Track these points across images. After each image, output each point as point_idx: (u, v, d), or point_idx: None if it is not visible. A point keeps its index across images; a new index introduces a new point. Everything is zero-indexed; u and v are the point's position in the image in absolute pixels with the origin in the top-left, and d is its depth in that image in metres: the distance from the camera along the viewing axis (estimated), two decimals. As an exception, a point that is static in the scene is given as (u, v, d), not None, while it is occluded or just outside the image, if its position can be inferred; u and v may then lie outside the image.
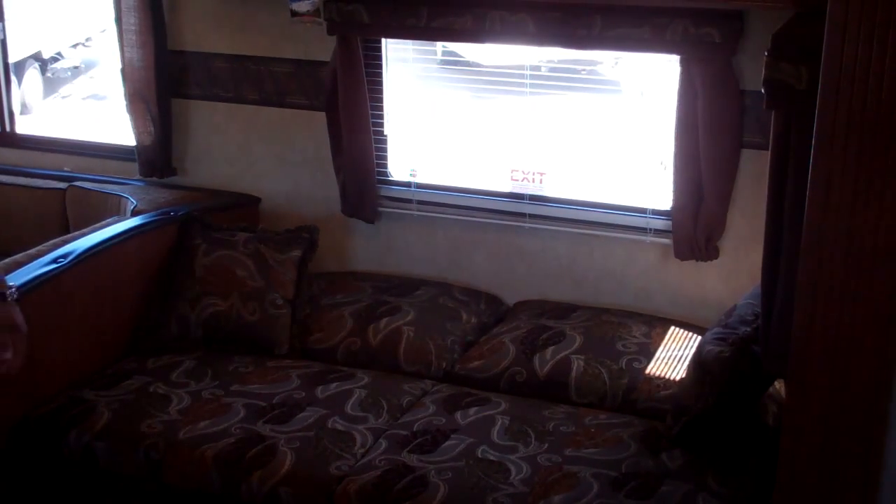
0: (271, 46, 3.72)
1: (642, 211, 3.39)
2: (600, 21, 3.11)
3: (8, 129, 4.36)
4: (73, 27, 8.50)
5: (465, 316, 3.36)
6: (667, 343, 3.15)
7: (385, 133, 3.70)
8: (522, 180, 3.52)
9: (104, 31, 7.98)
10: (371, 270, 3.73)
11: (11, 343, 2.26)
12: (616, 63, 3.76)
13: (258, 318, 3.25)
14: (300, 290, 3.34)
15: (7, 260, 3.07)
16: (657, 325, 3.26)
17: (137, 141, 3.89)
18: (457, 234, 3.63)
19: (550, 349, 3.09)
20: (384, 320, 3.28)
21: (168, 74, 3.82)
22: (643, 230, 3.38)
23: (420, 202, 3.65)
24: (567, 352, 3.08)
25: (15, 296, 2.31)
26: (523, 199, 3.53)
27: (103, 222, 3.44)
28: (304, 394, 2.96)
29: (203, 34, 3.82)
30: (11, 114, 4.40)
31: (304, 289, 3.36)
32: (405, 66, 3.70)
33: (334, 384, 3.02)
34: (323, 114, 3.63)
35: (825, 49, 1.88)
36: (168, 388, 2.99)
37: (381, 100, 3.65)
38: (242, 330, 3.24)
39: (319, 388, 3.00)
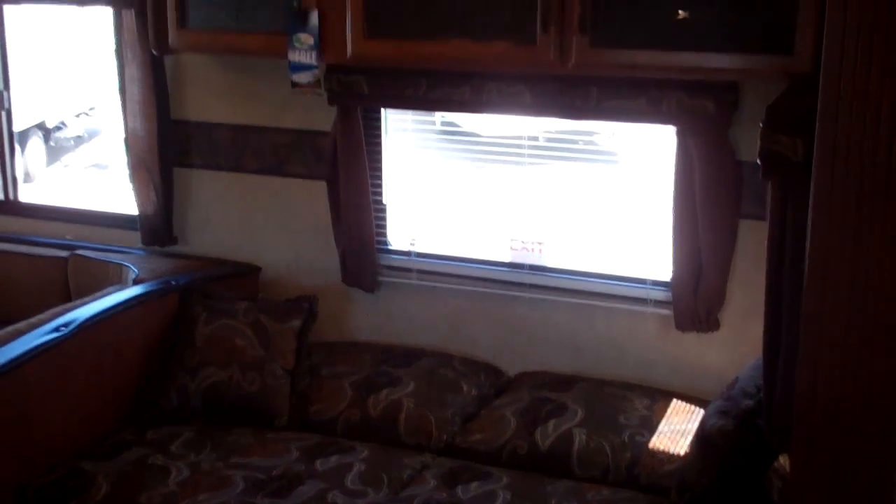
0: (272, 116, 3.76)
1: (642, 281, 3.39)
2: (596, 92, 3.15)
3: (11, 197, 4.39)
4: (77, 97, 8.60)
5: (465, 387, 3.35)
6: (669, 416, 3.13)
7: (384, 202, 3.72)
8: (522, 250, 3.54)
9: (107, 101, 8.08)
10: (371, 340, 3.72)
11: None
12: (613, 133, 3.80)
13: (258, 389, 3.23)
14: (300, 360, 3.33)
15: (8, 328, 3.07)
16: (659, 397, 3.24)
17: (140, 210, 3.91)
18: (457, 303, 3.63)
19: (552, 422, 3.07)
20: (384, 391, 3.27)
21: (171, 144, 3.86)
22: (643, 301, 3.38)
23: (420, 271, 3.66)
24: (569, 425, 3.06)
25: None
26: (523, 268, 3.54)
27: (104, 291, 3.44)
28: (303, 466, 2.94)
29: (205, 104, 3.87)
30: (15, 182, 4.43)
31: (304, 359, 3.35)
32: (404, 135, 3.74)
33: (334, 457, 3.00)
34: (323, 183, 3.66)
35: (819, 121, 1.91)
36: (167, 460, 2.96)
37: (380, 169, 3.69)
38: (242, 400, 3.23)
39: (319, 461, 2.97)
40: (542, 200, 3.56)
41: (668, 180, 3.21)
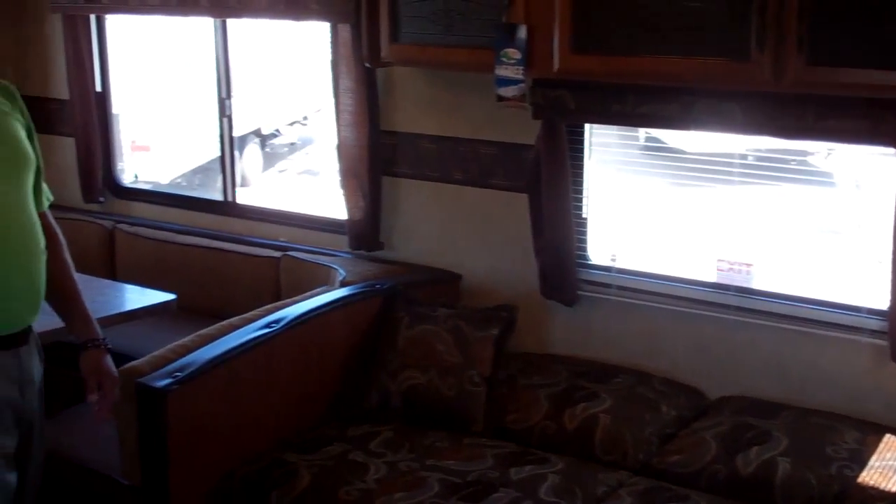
0: (477, 129, 3.82)
1: (856, 309, 3.22)
2: (813, 111, 3.02)
3: (230, 198, 4.64)
4: (292, 106, 9.00)
5: (664, 408, 3.29)
6: (881, 452, 2.96)
7: (586, 216, 3.71)
8: (728, 271, 3.44)
9: (320, 110, 8.41)
10: (568, 353, 3.71)
11: (102, 387, 2.57)
12: (829, 154, 3.66)
13: (455, 394, 3.29)
14: (497, 368, 3.37)
15: (223, 323, 3.25)
16: (870, 431, 3.07)
17: (348, 215, 4.06)
18: (657, 321, 3.57)
19: (755, 449, 2.97)
20: (581, 406, 3.25)
21: (380, 153, 3.99)
22: (857, 329, 3.21)
23: (620, 287, 3.63)
24: (772, 453, 2.94)
25: (108, 345, 2.61)
26: (728, 290, 3.44)
27: (313, 291, 3.59)
28: (497, 474, 2.96)
29: (414, 116, 3.97)
30: (234, 184, 4.67)
31: (501, 367, 3.39)
32: (608, 150, 3.72)
33: (528, 466, 3.01)
34: (525, 195, 3.68)
35: None
36: (366, 457, 3.05)
37: (582, 183, 3.67)
38: (440, 404, 3.30)
39: (513, 470, 2.99)
40: (751, 220, 3.46)
41: (889, 204, 3.05)
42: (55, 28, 4.76)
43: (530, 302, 3.74)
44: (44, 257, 2.41)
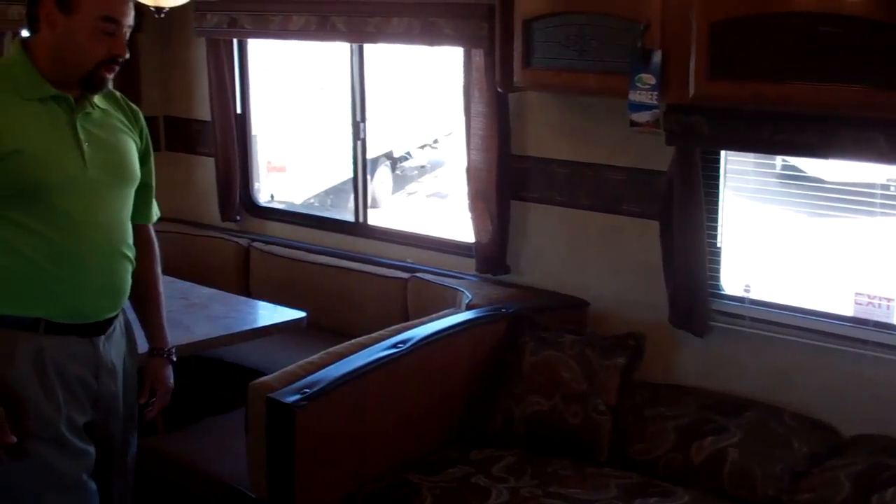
0: (609, 154, 3.79)
1: None
2: (961, 140, 2.91)
3: (361, 219, 4.72)
4: (423, 130, 9.12)
5: (796, 444, 3.18)
6: None
7: (719, 245, 3.63)
8: (867, 305, 3.31)
9: (450, 134, 8.50)
10: (697, 385, 3.63)
11: (156, 392, 2.77)
12: (980, 184, 3.49)
13: (580, 422, 3.26)
14: (623, 397, 3.32)
15: (353, 341, 3.30)
16: None
17: (476, 238, 4.08)
18: (791, 355, 3.46)
19: (891, 490, 2.84)
20: (709, 439, 3.18)
21: (509, 177, 4.00)
22: None
23: (753, 319, 3.53)
24: (911, 495, 2.83)
25: (174, 357, 2.82)
26: (867, 324, 3.31)
27: (440, 313, 3.62)
28: (621, 504, 2.93)
29: (544, 141, 3.97)
30: (365, 206, 4.76)
31: (628, 397, 3.34)
32: (743, 178, 3.64)
33: (653, 499, 2.96)
34: (656, 222, 3.63)
35: None
36: (489, 482, 3.05)
37: (716, 211, 3.60)
38: (564, 431, 3.27)
39: (638, 501, 2.94)
40: (892, 253, 3.33)
41: None
42: (199, 52, 4.95)
43: (659, 331, 3.68)
44: (129, 263, 2.60)
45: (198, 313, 3.82)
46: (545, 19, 3.43)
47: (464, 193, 4.16)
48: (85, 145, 2.48)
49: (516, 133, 4.00)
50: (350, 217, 4.83)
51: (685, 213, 3.48)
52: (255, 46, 5.08)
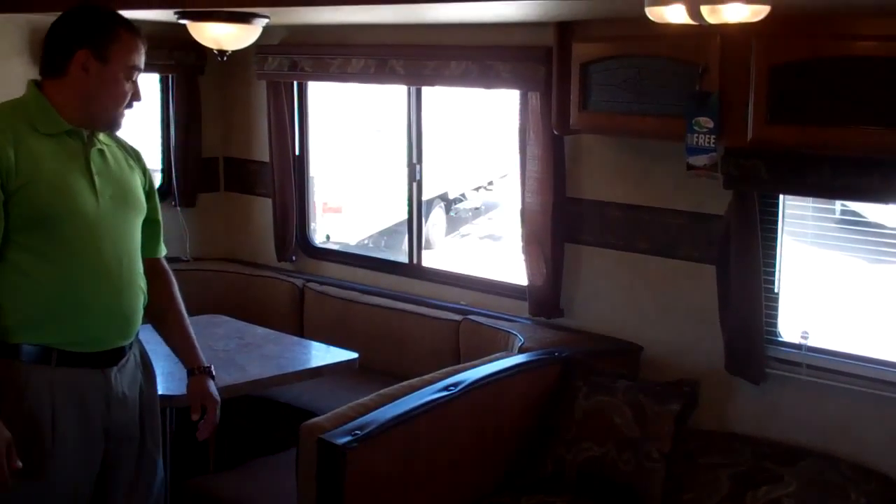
0: (665, 198, 3.77)
1: None
2: None
3: (415, 261, 4.73)
4: (477, 172, 9.16)
5: (853, 495, 3.10)
6: None
7: (776, 291, 3.57)
8: (930, 354, 3.25)
9: (505, 176, 8.53)
10: (752, 433, 3.56)
11: (205, 409, 2.88)
12: None
13: (633, 469, 3.21)
14: (677, 445, 3.27)
15: (404, 383, 3.30)
16: None
17: (529, 281, 4.07)
18: (848, 404, 3.39)
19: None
20: (763, 488, 3.12)
21: (564, 220, 3.99)
22: None
23: (811, 367, 3.46)
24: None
25: (213, 372, 2.94)
26: (929, 374, 3.24)
27: (492, 356, 3.60)
28: (675, 555, 2.87)
29: (600, 183, 3.96)
30: (420, 247, 4.78)
31: (681, 444, 3.29)
32: (801, 223, 3.59)
33: (707, 548, 2.90)
34: (712, 267, 3.59)
35: None
36: (539, 529, 3.02)
37: (773, 256, 3.55)
38: (616, 479, 3.22)
39: (692, 551, 2.89)
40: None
41: None
42: (259, 94, 5.03)
43: (714, 378, 3.62)
44: (140, 291, 2.73)
45: (252, 353, 3.85)
46: (603, 62, 3.44)
47: (518, 236, 4.16)
48: (96, 178, 2.63)
49: (571, 176, 3.99)
50: (404, 258, 4.85)
51: (742, 257, 3.44)
52: (314, 89, 5.15)
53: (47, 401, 2.54)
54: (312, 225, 5.34)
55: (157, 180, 5.39)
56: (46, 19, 3.85)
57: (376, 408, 3.08)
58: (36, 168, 2.53)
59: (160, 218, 2.94)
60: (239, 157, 5.34)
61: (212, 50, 3.96)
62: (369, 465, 2.97)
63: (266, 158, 5.06)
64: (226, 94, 5.30)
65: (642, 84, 3.34)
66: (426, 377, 3.33)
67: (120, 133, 2.82)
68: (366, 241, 8.69)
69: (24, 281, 2.53)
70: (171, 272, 2.98)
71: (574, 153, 3.99)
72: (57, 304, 2.55)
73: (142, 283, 2.74)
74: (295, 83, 4.98)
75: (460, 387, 3.23)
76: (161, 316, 2.89)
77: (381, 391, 3.20)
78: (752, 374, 3.54)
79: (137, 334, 2.76)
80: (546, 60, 3.82)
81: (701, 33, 2.84)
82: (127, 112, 2.69)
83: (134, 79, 2.67)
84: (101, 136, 2.72)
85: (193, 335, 2.96)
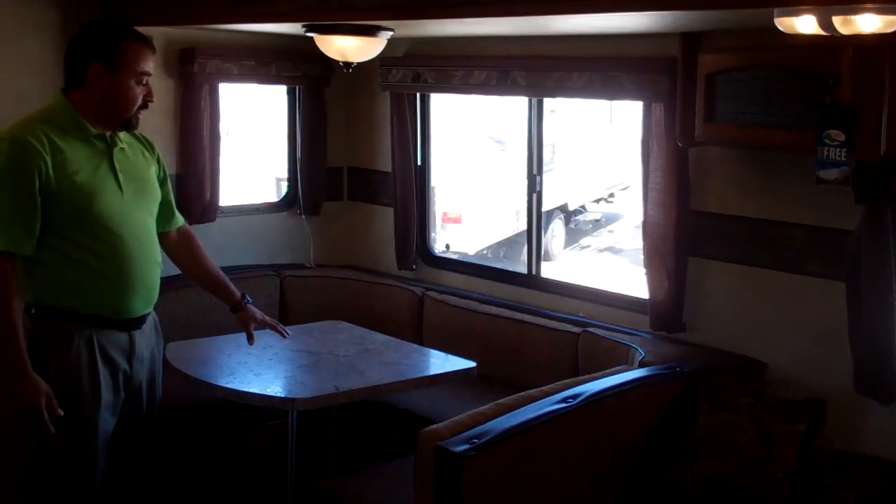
0: (792, 212, 3.68)
1: None
2: None
3: (534, 272, 4.73)
4: (598, 183, 9.09)
5: None
6: None
7: (910, 310, 3.45)
8: None
9: (626, 188, 8.45)
10: (882, 455, 3.44)
11: (266, 325, 3.67)
12: None
13: (755, 488, 3.14)
14: (802, 465, 3.18)
15: (522, 394, 3.29)
16: None
17: (651, 294, 4.02)
18: None
19: None
20: (895, 513, 3.01)
21: (687, 233, 3.93)
22: None
23: (946, 389, 3.33)
24: None
25: (249, 299, 3.63)
26: None
27: (612, 369, 3.57)
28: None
29: (724, 196, 3.89)
30: (539, 258, 4.77)
31: (807, 464, 3.20)
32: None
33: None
34: (841, 284, 3.48)
35: None
36: (658, 545, 2.98)
37: (907, 274, 3.43)
38: (737, 497, 3.15)
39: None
40: None
41: None
42: (383, 105, 5.12)
43: (842, 397, 3.50)
44: (157, 267, 3.26)
45: (372, 359, 3.92)
46: (730, 73, 3.38)
47: (639, 249, 4.11)
48: (120, 175, 3.13)
49: (695, 188, 3.93)
50: (523, 269, 4.85)
51: (873, 275, 3.32)
52: (437, 100, 5.20)
53: (85, 357, 3.07)
54: (433, 234, 5.39)
55: (283, 189, 5.54)
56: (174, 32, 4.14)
57: (494, 417, 3.09)
58: (69, 172, 3.00)
59: (172, 197, 3.48)
60: (363, 166, 5.44)
61: (338, 62, 4.05)
62: (486, 474, 2.98)
63: (389, 168, 5.14)
64: (351, 105, 5.40)
65: (770, 95, 3.27)
66: (544, 388, 3.32)
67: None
68: (484, 252, 8.72)
69: (64, 262, 3.04)
70: (193, 232, 3.61)
71: (698, 165, 3.93)
72: (92, 280, 3.06)
73: (158, 258, 3.27)
74: (418, 94, 5.05)
75: (579, 399, 3.21)
76: (196, 270, 3.58)
77: (499, 401, 3.21)
78: (882, 394, 3.41)
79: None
80: (670, 71, 3.78)
81: (832, 44, 2.78)
82: (142, 113, 3.13)
83: (144, 83, 3.10)
84: (121, 134, 3.17)
85: (225, 277, 3.60)
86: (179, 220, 3.54)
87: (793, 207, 3.67)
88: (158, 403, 3.42)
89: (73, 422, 3.04)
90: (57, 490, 3.15)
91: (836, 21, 2.40)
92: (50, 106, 3.13)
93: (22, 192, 2.93)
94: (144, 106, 3.13)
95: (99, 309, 3.09)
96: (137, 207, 3.19)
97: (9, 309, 2.96)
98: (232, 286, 3.60)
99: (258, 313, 3.65)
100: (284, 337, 3.73)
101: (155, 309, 3.31)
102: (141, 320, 3.22)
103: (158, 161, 3.39)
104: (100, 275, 3.07)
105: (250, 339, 3.61)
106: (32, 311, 3.08)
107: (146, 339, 3.27)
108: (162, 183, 3.39)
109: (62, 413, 2.97)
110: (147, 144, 3.35)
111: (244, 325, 3.61)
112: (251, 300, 3.65)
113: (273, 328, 3.71)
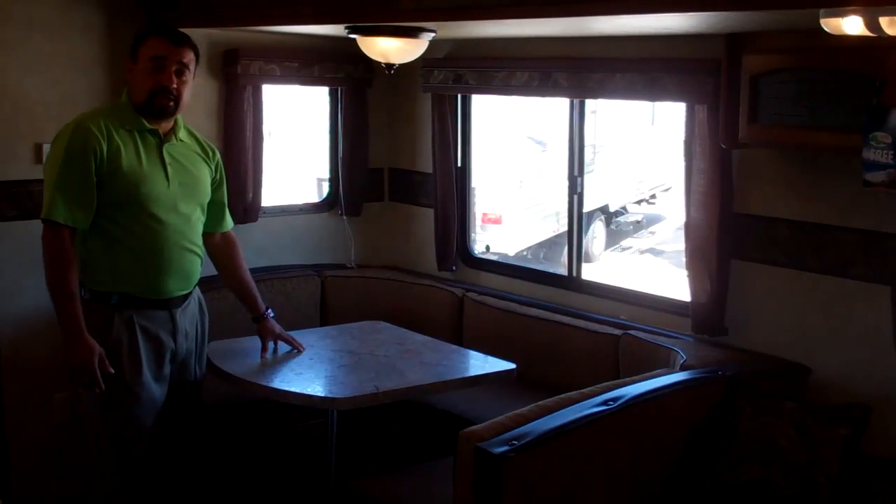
0: (838, 215, 3.63)
1: None
2: None
3: (574, 274, 4.71)
4: (639, 185, 9.03)
5: None
6: None
7: (958, 316, 3.40)
8: None
9: (668, 189, 8.38)
10: (929, 463, 3.40)
11: (283, 341, 3.86)
12: None
13: (797, 493, 3.11)
14: (846, 470, 3.14)
15: (562, 396, 3.28)
16: None
17: (693, 297, 3.98)
18: None
19: None
20: (943, 522, 2.96)
21: (730, 235, 3.89)
22: None
23: None
24: None
25: (272, 313, 3.88)
26: None
27: (653, 372, 3.55)
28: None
29: (769, 199, 3.84)
30: (579, 260, 4.75)
31: (851, 470, 3.16)
32: None
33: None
34: (887, 287, 3.43)
35: None
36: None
37: (955, 278, 3.38)
38: (779, 502, 3.12)
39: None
40: None
41: None
42: (425, 106, 5.12)
43: (887, 403, 3.46)
44: (195, 255, 3.50)
45: (412, 359, 3.92)
46: (774, 74, 3.35)
47: (681, 250, 4.08)
48: (168, 167, 3.40)
49: (739, 190, 3.89)
50: (563, 271, 4.83)
51: (921, 279, 3.29)
52: (477, 101, 5.20)
53: (125, 337, 3.34)
54: (473, 235, 5.39)
55: (325, 190, 5.57)
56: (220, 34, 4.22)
57: (534, 419, 3.08)
58: (121, 158, 3.30)
59: (226, 200, 3.75)
60: (404, 167, 5.45)
61: (379, 63, 4.06)
62: (525, 476, 2.98)
63: (429, 170, 5.14)
64: (392, 106, 5.41)
65: (816, 97, 3.24)
66: (585, 390, 3.31)
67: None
68: (525, 253, 8.70)
69: (113, 244, 3.33)
70: (237, 242, 3.83)
71: (742, 167, 3.89)
72: (136, 262, 3.35)
73: (199, 249, 3.52)
74: (459, 95, 5.05)
75: (619, 402, 3.19)
76: (230, 275, 3.83)
77: (540, 402, 3.20)
78: (929, 402, 3.38)
79: (197, 284, 3.56)
80: (714, 72, 3.74)
81: (879, 45, 2.74)
82: (166, 99, 3.32)
83: (160, 67, 3.31)
84: (182, 136, 3.50)
85: (255, 288, 3.85)
86: (228, 224, 3.80)
87: (838, 210, 3.62)
88: (203, 374, 3.69)
89: (119, 391, 3.34)
90: (104, 449, 3.43)
91: (883, 22, 2.36)
92: (116, 102, 3.49)
93: (80, 170, 3.24)
94: (165, 92, 3.33)
95: (135, 289, 3.37)
96: (183, 199, 3.44)
97: (68, 277, 3.25)
98: (259, 298, 3.86)
99: (277, 327, 3.87)
100: (300, 351, 3.87)
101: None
102: (180, 300, 3.48)
103: (217, 166, 3.67)
104: (137, 256, 3.34)
105: (264, 351, 3.83)
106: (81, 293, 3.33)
107: (189, 316, 3.54)
108: (217, 186, 3.67)
109: (112, 371, 3.27)
110: (207, 149, 3.64)
111: (262, 336, 3.85)
112: (274, 314, 3.89)
113: (289, 342, 3.88)
